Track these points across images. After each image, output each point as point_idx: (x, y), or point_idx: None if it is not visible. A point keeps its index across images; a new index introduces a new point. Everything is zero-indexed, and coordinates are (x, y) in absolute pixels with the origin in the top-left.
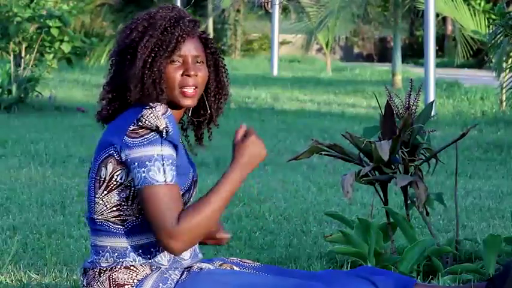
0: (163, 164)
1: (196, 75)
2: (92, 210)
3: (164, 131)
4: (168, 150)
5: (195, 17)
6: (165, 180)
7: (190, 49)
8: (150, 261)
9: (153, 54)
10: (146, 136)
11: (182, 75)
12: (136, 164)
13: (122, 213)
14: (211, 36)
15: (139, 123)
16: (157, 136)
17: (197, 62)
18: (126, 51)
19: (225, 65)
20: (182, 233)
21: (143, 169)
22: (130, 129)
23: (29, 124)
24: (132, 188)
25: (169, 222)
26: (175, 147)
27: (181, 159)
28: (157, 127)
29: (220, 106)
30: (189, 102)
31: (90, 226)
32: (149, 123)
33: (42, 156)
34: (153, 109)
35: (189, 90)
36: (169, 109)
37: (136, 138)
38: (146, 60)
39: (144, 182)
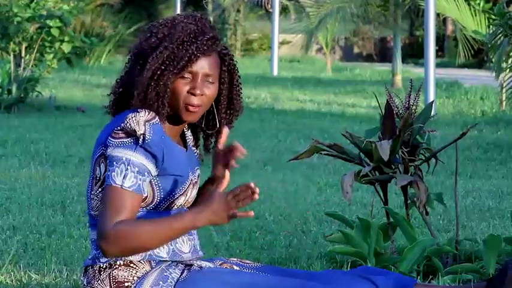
0: (128, 169)
1: (202, 95)
2: (89, 207)
3: (141, 137)
4: (139, 158)
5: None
6: (121, 185)
7: (203, 66)
8: (149, 255)
9: (162, 67)
10: (123, 139)
11: (188, 91)
12: (108, 161)
13: None
14: (231, 52)
15: (122, 124)
16: (133, 142)
17: (207, 81)
18: (140, 55)
19: (240, 82)
20: (110, 237)
21: (110, 168)
22: (115, 129)
23: (29, 124)
24: None
25: (106, 223)
26: (155, 157)
27: (173, 165)
28: (134, 132)
29: (231, 121)
30: (190, 118)
31: (89, 222)
32: (129, 127)
33: (42, 156)
34: (137, 114)
35: (193, 107)
36: (157, 117)
37: (116, 138)
38: (154, 72)
39: (106, 180)
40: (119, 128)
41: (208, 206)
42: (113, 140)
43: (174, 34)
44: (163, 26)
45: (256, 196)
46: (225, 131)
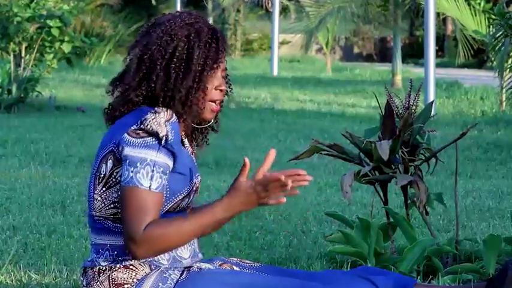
0: (154, 170)
1: (225, 91)
2: (91, 207)
3: (164, 138)
4: (162, 158)
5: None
6: (149, 187)
7: (222, 62)
8: (149, 260)
9: (199, 68)
10: (145, 139)
11: (216, 88)
12: (127, 161)
13: (119, 210)
14: None
15: (142, 125)
16: (156, 142)
17: (222, 76)
18: (170, 59)
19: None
20: (144, 241)
21: (132, 168)
22: (132, 128)
23: (29, 124)
24: None
25: (137, 227)
26: (173, 155)
27: (183, 164)
28: (157, 133)
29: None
30: (211, 115)
31: (90, 225)
32: (150, 128)
33: (42, 156)
34: (157, 114)
35: (216, 104)
36: (174, 116)
37: (136, 138)
38: (195, 75)
39: (130, 182)
40: (137, 127)
41: (236, 196)
42: (133, 139)
43: (198, 33)
44: (178, 27)
45: (289, 187)
46: (272, 152)
